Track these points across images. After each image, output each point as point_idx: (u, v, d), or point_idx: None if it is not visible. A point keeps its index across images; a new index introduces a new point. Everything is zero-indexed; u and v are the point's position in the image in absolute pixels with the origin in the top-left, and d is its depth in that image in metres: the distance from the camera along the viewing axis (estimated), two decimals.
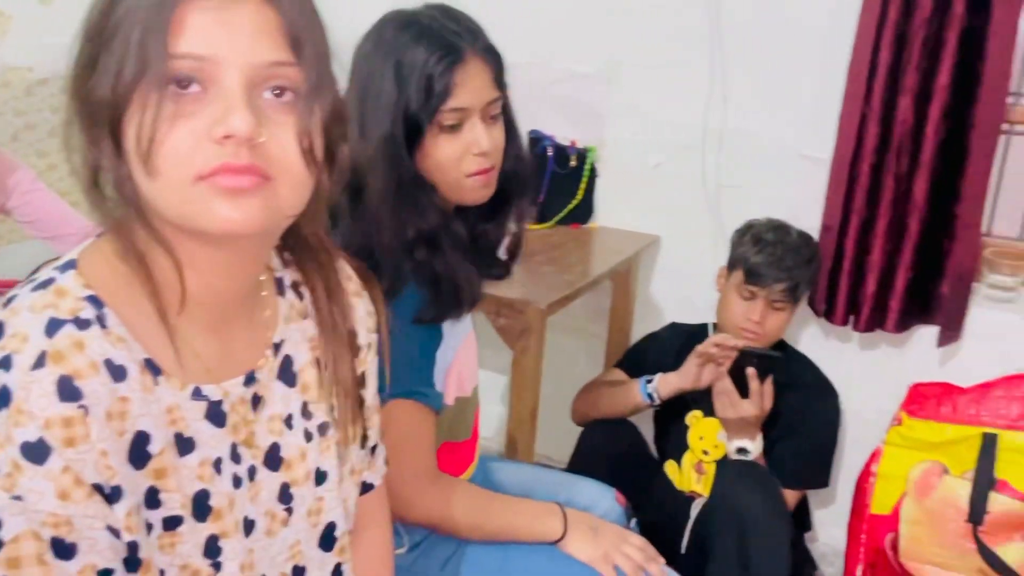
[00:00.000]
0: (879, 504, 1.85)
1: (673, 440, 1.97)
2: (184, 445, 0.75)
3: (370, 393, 0.95)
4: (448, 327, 1.17)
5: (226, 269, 0.75)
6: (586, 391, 2.03)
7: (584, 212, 2.23)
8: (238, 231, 0.69)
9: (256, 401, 0.81)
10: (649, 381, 1.86)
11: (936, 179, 1.78)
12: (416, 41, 1.10)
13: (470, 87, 1.11)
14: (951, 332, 1.85)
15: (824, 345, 2.02)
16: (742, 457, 1.78)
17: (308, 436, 0.85)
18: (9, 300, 0.70)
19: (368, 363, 0.93)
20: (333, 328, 0.86)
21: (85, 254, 0.74)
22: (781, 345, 1.91)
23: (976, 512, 1.70)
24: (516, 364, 1.80)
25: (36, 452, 0.65)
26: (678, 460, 1.95)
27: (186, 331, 0.75)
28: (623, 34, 2.08)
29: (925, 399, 1.86)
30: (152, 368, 0.73)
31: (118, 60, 0.66)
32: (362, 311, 0.91)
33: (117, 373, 0.70)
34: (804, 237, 1.85)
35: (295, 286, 0.87)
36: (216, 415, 0.77)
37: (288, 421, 0.84)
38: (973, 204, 1.77)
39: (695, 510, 1.85)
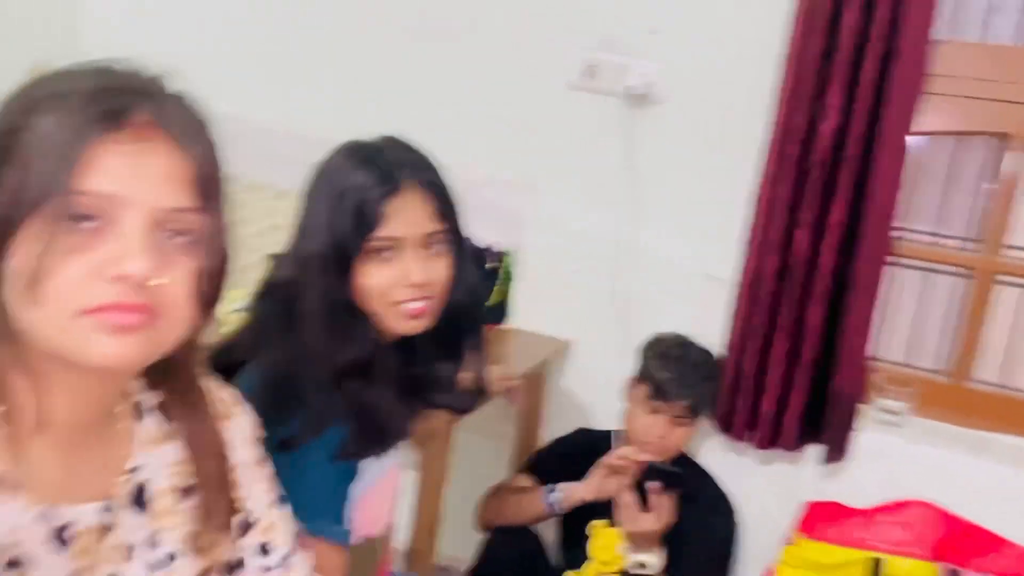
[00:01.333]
0: None
1: (574, 549, 1.97)
2: (15, 568, 0.71)
3: (262, 509, 0.93)
4: (366, 463, 1.16)
5: (85, 394, 0.75)
6: (491, 497, 2.03)
7: (500, 314, 2.26)
8: (115, 366, 0.69)
9: (105, 529, 0.79)
10: (552, 491, 1.88)
11: (829, 306, 1.88)
12: (356, 167, 1.12)
13: (404, 218, 1.12)
14: (836, 452, 1.93)
15: (724, 459, 2.07)
16: (642, 571, 1.80)
17: (151, 567, 0.82)
18: None
19: (248, 484, 0.91)
20: (202, 451, 0.85)
21: None
22: (683, 458, 1.96)
23: None
24: (422, 468, 1.79)
25: None
26: (579, 569, 1.96)
27: (37, 450, 0.73)
28: (542, 145, 2.17)
29: (817, 519, 1.93)
30: (3, 483, 0.70)
31: (19, 182, 0.65)
32: (236, 430, 0.90)
33: None
34: (706, 354, 1.92)
35: (162, 408, 0.86)
36: (58, 539, 0.74)
37: (129, 551, 0.81)
38: (860, 330, 1.87)
39: None
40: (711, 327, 2.00)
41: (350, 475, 1.16)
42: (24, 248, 0.65)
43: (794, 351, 1.92)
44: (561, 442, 2.10)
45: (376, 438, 1.17)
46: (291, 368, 1.11)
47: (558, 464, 2.00)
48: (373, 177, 1.11)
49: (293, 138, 2.21)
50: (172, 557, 0.84)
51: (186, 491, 0.85)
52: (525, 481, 2.03)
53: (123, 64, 0.73)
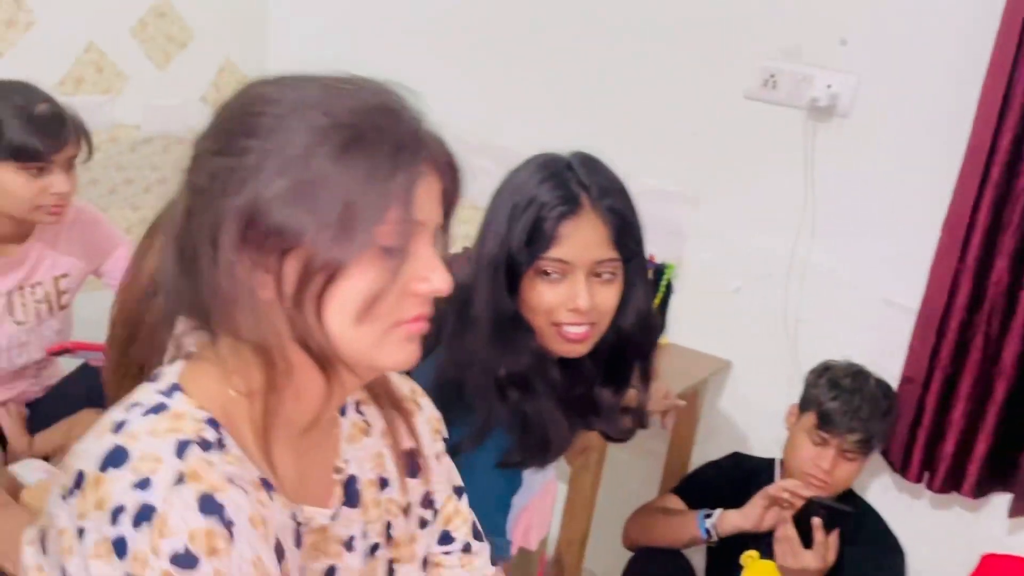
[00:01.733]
0: None
1: None
2: (281, 557, 0.74)
3: (458, 496, 0.95)
4: (528, 473, 1.14)
5: (330, 397, 0.77)
6: (640, 515, 1.97)
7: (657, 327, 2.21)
8: (410, 367, 0.75)
9: (329, 525, 0.81)
10: (708, 516, 1.80)
11: None
12: (541, 181, 1.11)
13: (578, 241, 1.10)
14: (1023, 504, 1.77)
15: (894, 500, 1.94)
16: None
17: (364, 558, 0.84)
18: (119, 426, 0.69)
19: (434, 479, 0.92)
20: (398, 443, 0.87)
21: (188, 377, 0.74)
22: (850, 495, 1.84)
23: None
24: (573, 482, 1.76)
25: (187, 561, 0.63)
26: None
27: (280, 454, 0.75)
28: (714, 156, 2.09)
29: (996, 572, 1.77)
30: (267, 486, 0.73)
31: (342, 227, 0.68)
32: (423, 421, 0.92)
33: (244, 488, 0.69)
34: (883, 387, 1.80)
35: (356, 404, 0.87)
36: (297, 537, 0.77)
37: (349, 543, 0.83)
38: None
39: None
40: (888, 357, 1.87)
41: (514, 486, 1.15)
42: (358, 279, 0.69)
43: (984, 389, 1.77)
44: (715, 466, 2.02)
45: (539, 449, 1.15)
46: (459, 372, 1.11)
47: (710, 488, 1.92)
48: (555, 195, 1.10)
49: (486, 149, 2.22)
50: (376, 548, 0.86)
51: (382, 483, 0.86)
52: (674, 502, 1.96)
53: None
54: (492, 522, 1.10)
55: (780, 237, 2.02)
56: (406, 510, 0.89)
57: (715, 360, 2.13)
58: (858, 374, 1.79)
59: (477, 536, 0.96)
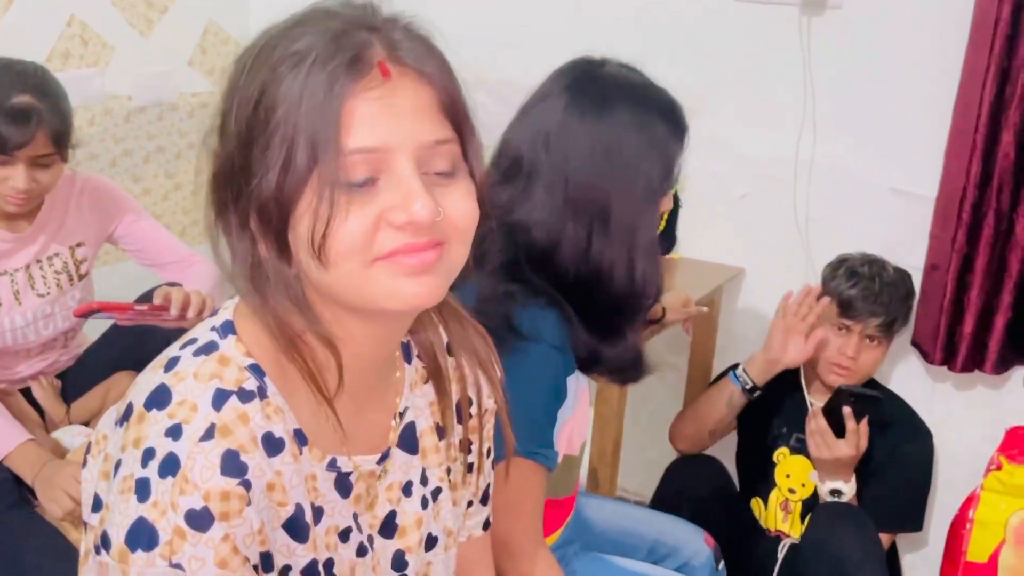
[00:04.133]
0: (976, 551, 1.78)
1: (759, 477, 1.93)
2: (316, 514, 0.76)
3: (486, 455, 0.95)
4: (571, 383, 1.16)
5: (379, 342, 0.75)
6: (681, 413, 2.01)
7: (667, 243, 2.21)
8: (424, 305, 0.69)
9: (383, 472, 0.82)
10: (735, 368, 1.83)
11: None
12: (658, 112, 1.14)
13: None
14: None
15: (918, 385, 1.96)
16: (835, 499, 1.74)
17: (424, 503, 0.85)
18: (171, 363, 0.71)
19: (487, 428, 0.93)
20: (455, 391, 0.87)
21: (241, 319, 0.74)
22: (873, 383, 1.87)
23: None
24: (599, 397, 1.79)
25: (200, 520, 0.65)
26: (764, 498, 1.92)
27: (335, 403, 0.75)
28: (707, 67, 2.07)
29: (1021, 444, 1.80)
30: (300, 438, 0.73)
31: (282, 160, 0.64)
32: (487, 382, 0.91)
33: (275, 447, 0.70)
34: (900, 272, 1.82)
35: (419, 350, 0.86)
36: (344, 486, 0.78)
37: (407, 488, 0.84)
38: None
39: (782, 551, 1.82)
40: (904, 247, 1.88)
41: (560, 399, 1.17)
42: (306, 217, 0.65)
43: (999, 266, 1.78)
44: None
45: (633, 374, 1.21)
46: (511, 306, 1.12)
47: None
48: (675, 122, 1.15)
49: (482, 83, 2.19)
50: (438, 491, 0.87)
51: (439, 429, 0.87)
52: None
53: (334, 2, 0.70)
54: (542, 435, 1.13)
55: (783, 138, 2.02)
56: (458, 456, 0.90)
57: (728, 268, 2.14)
58: (874, 262, 1.81)
59: (483, 500, 0.97)
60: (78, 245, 1.72)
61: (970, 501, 1.81)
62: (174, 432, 0.66)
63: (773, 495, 1.90)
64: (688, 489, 1.83)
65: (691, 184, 2.16)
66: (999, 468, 1.79)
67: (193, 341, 0.73)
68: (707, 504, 1.79)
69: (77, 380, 1.76)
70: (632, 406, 2.22)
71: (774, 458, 1.90)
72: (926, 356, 1.88)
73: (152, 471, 0.65)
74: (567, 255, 1.11)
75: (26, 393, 1.72)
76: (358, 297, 0.68)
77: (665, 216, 2.17)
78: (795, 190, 2.04)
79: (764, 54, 2.01)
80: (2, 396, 1.65)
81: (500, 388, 0.91)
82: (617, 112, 1.11)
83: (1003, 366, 1.84)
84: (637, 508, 1.63)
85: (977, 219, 1.77)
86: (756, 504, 1.93)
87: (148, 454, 0.66)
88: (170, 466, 0.65)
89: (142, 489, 0.65)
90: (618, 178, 1.10)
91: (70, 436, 1.61)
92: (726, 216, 2.15)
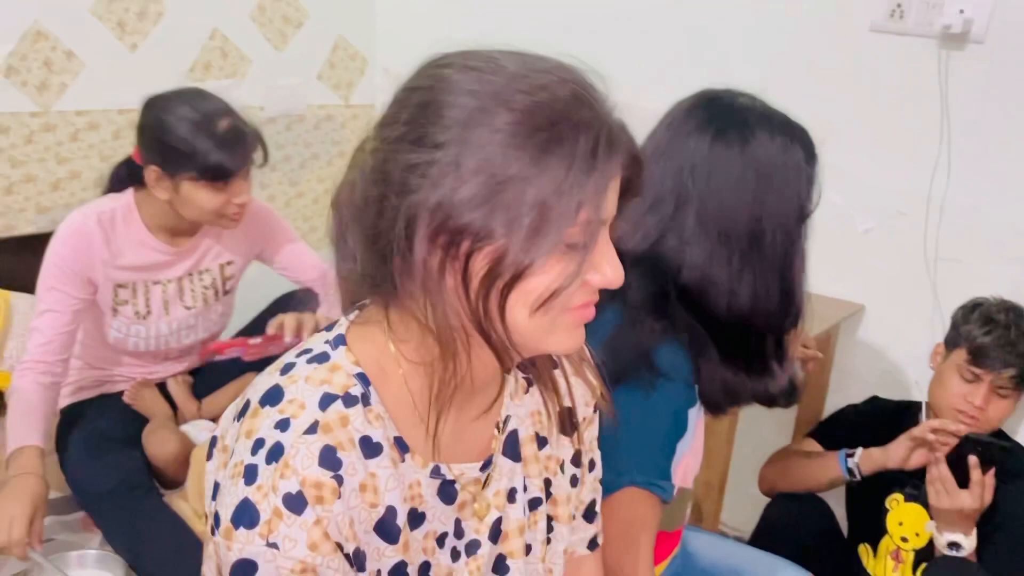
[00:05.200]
0: None
1: (868, 522, 1.86)
2: (416, 519, 0.79)
3: (589, 469, 0.95)
4: (692, 415, 1.16)
5: (494, 363, 0.78)
6: (777, 458, 1.96)
7: None
8: (575, 351, 0.78)
9: (486, 480, 0.84)
10: (850, 455, 1.78)
11: None
12: (789, 143, 1.13)
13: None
14: None
15: None
16: (953, 552, 1.66)
17: (525, 510, 0.87)
18: (286, 368, 0.76)
19: (587, 440, 0.94)
20: (552, 404, 0.88)
21: (354, 332, 0.79)
22: (1000, 434, 1.78)
23: None
24: (709, 429, 1.76)
25: (295, 503, 0.69)
26: (873, 545, 1.85)
27: (442, 416, 0.78)
28: (837, 96, 2.03)
29: None
30: (401, 445, 0.77)
31: (535, 230, 0.68)
32: (582, 386, 0.92)
33: (372, 450, 0.74)
34: None
35: (522, 366, 0.88)
36: (447, 493, 0.81)
37: (511, 495, 0.86)
38: None
39: None
40: None
41: (679, 431, 1.16)
42: (542, 275, 0.70)
43: None
44: (854, 409, 1.98)
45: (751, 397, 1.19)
46: (652, 339, 1.12)
47: (849, 431, 1.89)
48: (806, 152, 1.13)
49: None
50: (537, 502, 0.89)
51: (540, 440, 0.89)
52: (811, 446, 1.94)
53: (579, 87, 0.72)
54: (662, 467, 1.12)
55: (915, 173, 1.95)
56: (563, 467, 0.91)
57: (847, 304, 2.08)
58: (1012, 309, 1.72)
59: (587, 516, 0.98)
60: (228, 263, 1.80)
61: None
62: (282, 425, 0.72)
63: (883, 542, 1.83)
64: (789, 529, 1.78)
65: (813, 215, 2.11)
66: None
67: (308, 351, 0.78)
68: (809, 546, 1.74)
69: (209, 377, 1.85)
70: (741, 439, 2.18)
71: (887, 504, 1.83)
72: None
73: (260, 458, 0.71)
74: (721, 283, 1.11)
75: (161, 387, 1.82)
76: (537, 341, 0.74)
77: None
78: (925, 227, 1.97)
79: (899, 87, 1.95)
80: (139, 389, 1.75)
81: (603, 397, 0.93)
82: (760, 138, 1.11)
83: None
84: (741, 546, 1.60)
85: None
86: (864, 550, 1.86)
87: (258, 444, 0.71)
88: (275, 454, 0.70)
89: (250, 474, 0.70)
90: (771, 202, 1.10)
91: (197, 430, 1.69)
92: (848, 250, 2.09)
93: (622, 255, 0.77)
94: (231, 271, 1.80)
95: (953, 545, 1.67)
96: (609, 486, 1.09)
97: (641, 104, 1.20)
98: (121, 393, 1.77)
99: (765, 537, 1.81)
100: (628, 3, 2.29)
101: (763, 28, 2.10)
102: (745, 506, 2.09)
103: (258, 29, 2.42)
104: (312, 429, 0.71)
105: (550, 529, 0.90)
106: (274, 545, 0.68)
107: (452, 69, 0.71)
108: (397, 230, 0.69)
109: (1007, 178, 1.86)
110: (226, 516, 0.70)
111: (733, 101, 1.16)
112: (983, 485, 1.62)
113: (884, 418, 1.87)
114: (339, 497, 0.71)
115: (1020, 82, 1.82)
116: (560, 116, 0.68)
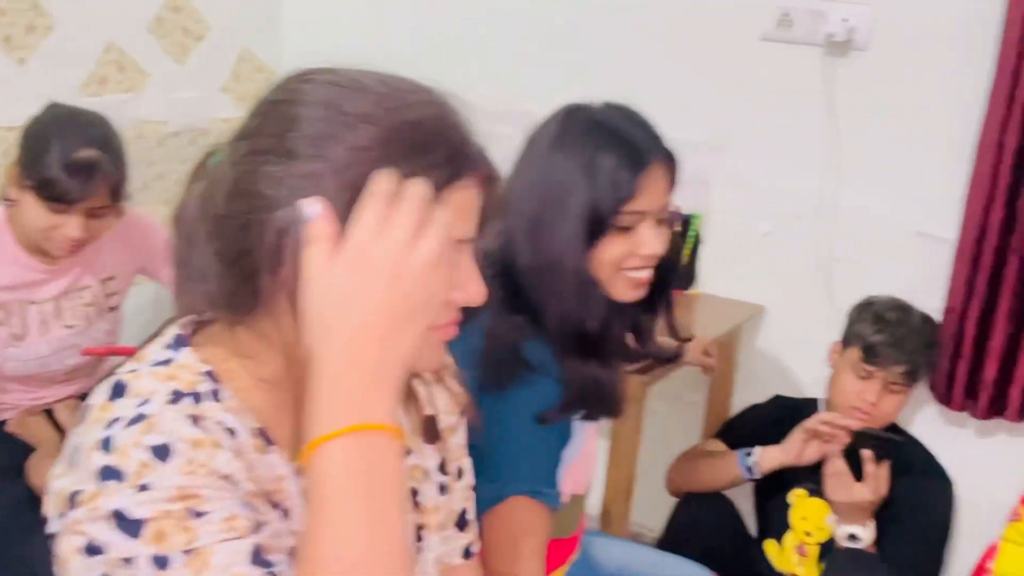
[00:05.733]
0: None
1: (774, 518, 1.91)
2: (283, 515, 0.75)
3: (457, 477, 0.95)
4: (578, 424, 1.17)
5: None
6: (682, 461, 2.00)
7: (687, 279, 2.21)
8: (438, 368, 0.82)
9: None
10: (749, 454, 1.82)
11: None
12: (605, 144, 1.12)
13: (652, 191, 1.14)
14: None
15: (939, 430, 1.94)
16: (852, 544, 1.71)
17: None
18: (132, 371, 0.73)
19: (453, 447, 0.93)
20: (412, 412, 0.88)
21: (197, 336, 0.76)
22: (894, 428, 1.85)
23: None
24: (614, 434, 1.78)
25: (164, 452, 0.66)
26: (779, 539, 1.89)
27: (297, 409, 0.76)
28: (736, 106, 2.08)
29: None
30: (264, 436, 0.75)
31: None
32: (444, 393, 0.92)
33: (232, 432, 0.72)
34: (926, 319, 1.80)
35: None
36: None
37: None
38: None
39: None
40: (927, 289, 1.87)
41: (564, 440, 1.17)
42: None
43: (1021, 314, 1.76)
44: (756, 409, 2.03)
45: (601, 407, 1.19)
46: (518, 335, 1.13)
47: (753, 431, 1.93)
48: (624, 153, 1.12)
49: (509, 115, 2.21)
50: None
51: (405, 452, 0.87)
52: (716, 446, 1.98)
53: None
54: (546, 475, 1.13)
55: (807, 177, 2.02)
56: (428, 475, 0.90)
57: (748, 306, 2.14)
58: (901, 307, 1.79)
59: (459, 525, 0.97)
60: (109, 279, 1.75)
61: (990, 552, 1.78)
62: (141, 403, 0.68)
63: (788, 537, 1.88)
64: (696, 529, 1.81)
65: (713, 220, 2.17)
66: (1019, 519, 1.75)
67: (146, 358, 0.75)
68: (717, 543, 1.78)
69: None
70: (651, 442, 2.21)
71: (789, 499, 1.88)
72: (946, 401, 1.86)
73: (116, 428, 0.66)
74: (535, 283, 1.13)
75: (50, 413, 1.75)
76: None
77: (687, 251, 2.19)
78: (818, 229, 2.03)
79: (788, 93, 2.01)
80: (24, 416, 1.69)
81: (465, 401, 0.93)
82: (568, 146, 1.13)
83: None
84: (646, 549, 1.62)
85: (999, 264, 1.75)
86: (770, 546, 1.91)
87: (114, 420, 0.67)
88: (136, 420, 0.67)
89: (105, 444, 0.66)
90: (548, 206, 1.12)
91: None
92: (748, 253, 2.14)
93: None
94: (114, 287, 1.75)
95: (852, 537, 1.72)
96: (494, 495, 1.10)
97: (524, 108, 1.23)
98: (3, 423, 1.70)
99: (673, 538, 1.84)
100: (531, 27, 2.30)
101: (658, 38, 2.14)
102: (663, 507, 2.12)
103: (156, 42, 2.37)
104: (175, 399, 0.68)
105: (419, 539, 0.89)
106: (144, 487, 0.63)
107: (314, 84, 0.71)
108: (266, 246, 0.68)
109: (894, 180, 1.94)
110: (86, 485, 0.64)
111: (577, 113, 1.17)
112: (877, 478, 1.68)
113: (786, 416, 1.92)
114: (214, 452, 0.67)
115: (902, 87, 1.89)
116: (423, 135, 0.69)
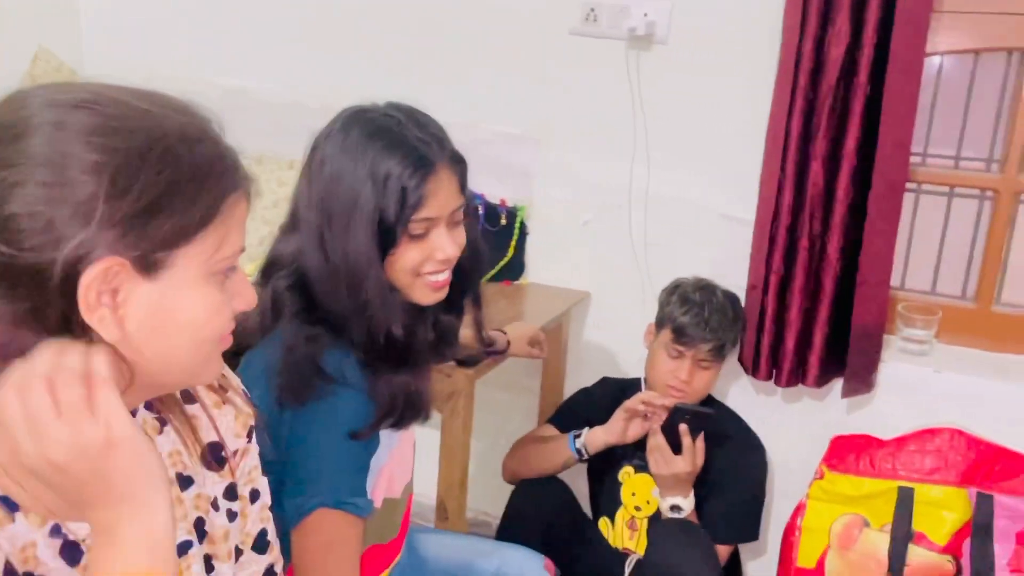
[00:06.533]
0: (805, 557, 1.88)
1: (606, 497, 1.98)
2: None
3: (251, 500, 0.93)
4: (384, 433, 1.16)
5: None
6: (516, 448, 2.04)
7: (515, 269, 2.26)
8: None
9: None
10: (577, 436, 1.88)
11: (847, 238, 1.85)
12: (388, 151, 1.11)
13: (440, 197, 1.13)
14: (858, 385, 1.91)
15: (750, 400, 2.06)
16: (675, 515, 1.80)
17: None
18: None
19: (243, 471, 0.92)
20: (191, 441, 0.85)
21: None
22: (710, 400, 1.95)
23: (895, 565, 1.75)
24: (445, 428, 1.79)
25: None
26: (611, 517, 1.97)
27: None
28: (551, 99, 2.13)
29: (845, 452, 1.92)
30: (8, 504, 0.70)
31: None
32: (229, 416, 0.90)
33: None
34: (730, 297, 1.90)
35: (148, 405, 0.83)
36: (71, 553, 0.74)
37: None
38: (881, 261, 1.84)
39: (629, 567, 1.87)
40: (732, 268, 1.98)
41: (371, 448, 1.17)
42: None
43: (814, 286, 1.89)
44: (585, 392, 2.10)
45: (409, 414, 1.19)
46: (317, 347, 1.11)
47: (584, 413, 1.99)
48: (409, 161, 1.11)
49: (297, 108, 2.20)
50: (188, 545, 0.85)
51: (184, 480, 0.85)
52: (549, 431, 2.03)
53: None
54: (352, 484, 1.13)
55: (619, 167, 2.09)
56: (215, 504, 0.88)
57: (574, 292, 2.20)
58: (706, 287, 1.89)
59: (257, 548, 0.95)
60: None
61: (798, 510, 1.91)
62: None
63: (620, 513, 1.96)
64: (534, 512, 1.86)
65: (538, 211, 2.22)
66: (821, 477, 1.90)
67: None
68: (553, 526, 1.83)
69: None
70: (491, 428, 2.25)
71: (619, 477, 1.96)
72: (753, 372, 1.98)
73: None
74: (323, 293, 1.13)
75: None
76: (183, 375, 0.76)
77: (513, 243, 2.22)
78: (631, 216, 2.11)
79: (599, 86, 2.08)
80: None
81: (255, 420, 0.92)
82: (351, 152, 1.13)
83: (823, 379, 1.95)
84: (479, 540, 1.65)
85: (792, 242, 1.88)
86: (604, 524, 1.98)
87: None
88: None
89: None
90: (338, 217, 1.11)
91: None
92: (572, 242, 2.21)
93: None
94: None
95: (675, 508, 1.81)
96: (300, 510, 1.09)
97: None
98: None
99: (510, 524, 1.87)
100: (347, 23, 2.28)
101: (472, 33, 2.16)
102: (496, 492, 2.16)
103: None
104: None
105: (211, 570, 0.87)
106: None
107: (41, 99, 0.68)
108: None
109: (698, 167, 2.04)
110: None
111: (361, 115, 1.17)
112: (694, 450, 1.77)
113: (612, 397, 1.99)
114: None
115: (701, 78, 1.99)
116: (166, 150, 0.68)
